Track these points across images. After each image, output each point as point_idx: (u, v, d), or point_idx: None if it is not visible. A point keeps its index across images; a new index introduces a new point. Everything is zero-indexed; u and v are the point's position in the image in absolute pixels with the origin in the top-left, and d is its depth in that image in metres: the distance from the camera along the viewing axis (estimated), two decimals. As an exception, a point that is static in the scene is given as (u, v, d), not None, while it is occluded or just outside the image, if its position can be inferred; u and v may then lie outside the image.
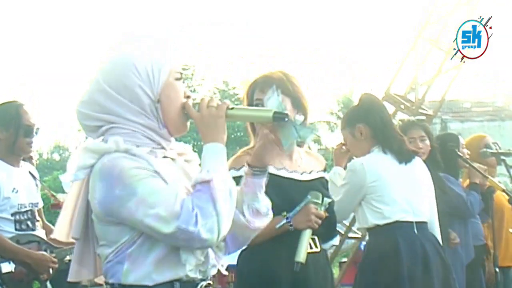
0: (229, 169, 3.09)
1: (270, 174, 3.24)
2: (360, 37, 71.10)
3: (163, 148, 2.40)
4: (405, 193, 4.35)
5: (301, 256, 3.18)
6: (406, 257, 4.19)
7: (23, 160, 4.60)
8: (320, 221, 3.33)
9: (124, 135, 2.35)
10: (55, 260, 4.34)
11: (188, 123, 2.44)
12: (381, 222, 4.31)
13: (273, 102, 2.48)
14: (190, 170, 2.48)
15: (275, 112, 2.34)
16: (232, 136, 30.32)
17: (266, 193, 2.89)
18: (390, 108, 9.91)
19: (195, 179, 2.30)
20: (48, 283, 4.42)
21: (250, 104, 3.47)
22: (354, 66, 71.93)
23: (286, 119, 2.33)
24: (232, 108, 2.38)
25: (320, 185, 3.53)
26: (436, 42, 9.42)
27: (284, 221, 3.25)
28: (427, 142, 5.24)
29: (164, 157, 2.41)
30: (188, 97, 2.43)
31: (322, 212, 3.34)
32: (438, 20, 9.57)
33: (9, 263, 4.21)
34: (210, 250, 2.42)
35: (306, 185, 3.45)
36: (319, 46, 74.45)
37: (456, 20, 9.42)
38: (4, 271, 4.20)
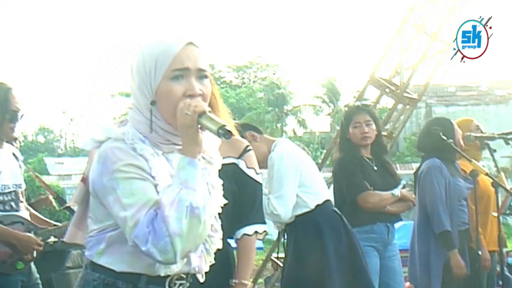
0: None
1: None
2: (345, 21, 71.05)
3: (172, 143, 2.34)
4: (317, 172, 4.63)
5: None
6: (330, 238, 4.35)
7: (7, 142, 4.58)
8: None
9: (137, 122, 2.34)
10: (41, 243, 4.35)
11: None
12: (303, 210, 4.49)
13: None
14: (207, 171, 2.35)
15: (219, 127, 2.18)
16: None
17: None
18: (375, 92, 9.95)
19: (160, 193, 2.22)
20: (32, 264, 4.43)
21: None
22: (338, 50, 71.91)
23: (227, 137, 2.18)
24: (202, 115, 2.20)
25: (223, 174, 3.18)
26: (422, 27, 9.45)
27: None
28: (373, 126, 5.28)
29: (170, 152, 2.36)
30: (190, 95, 2.28)
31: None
32: (424, 4, 9.59)
33: None
34: (193, 255, 2.36)
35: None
36: (304, 30, 74.36)
37: (442, 4, 9.46)
38: None
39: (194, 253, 2.32)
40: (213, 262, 2.44)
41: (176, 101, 2.24)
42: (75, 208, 2.56)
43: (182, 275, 2.36)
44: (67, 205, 4.52)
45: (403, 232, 8.00)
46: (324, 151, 23.89)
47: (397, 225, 5.41)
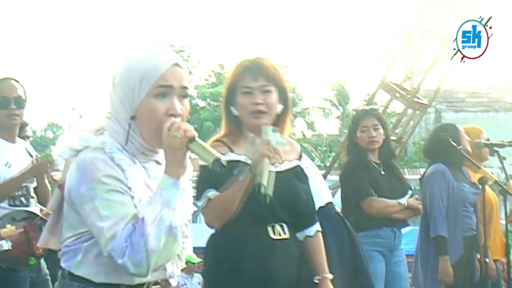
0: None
1: (240, 161, 3.24)
2: (356, 24, 71.01)
3: (147, 156, 2.39)
4: (318, 175, 4.57)
5: (265, 181, 3.11)
6: (332, 240, 4.31)
7: (20, 137, 4.62)
8: (276, 154, 3.22)
9: (114, 132, 2.37)
10: (52, 159, 4.36)
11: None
12: None
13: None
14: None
15: (216, 159, 2.22)
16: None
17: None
18: (386, 96, 9.93)
19: (138, 209, 2.26)
20: (42, 260, 4.43)
21: (232, 89, 3.40)
22: (348, 53, 71.84)
23: (221, 170, 2.24)
24: (193, 142, 2.23)
25: (293, 175, 3.42)
26: (433, 32, 9.42)
27: (241, 167, 3.18)
28: (381, 131, 5.26)
29: (146, 162, 2.40)
30: (171, 115, 2.31)
31: (274, 144, 3.20)
32: (436, 10, 9.57)
33: (6, 241, 4.21)
34: (169, 263, 2.43)
35: (277, 176, 3.29)
36: (314, 32, 74.29)
37: (454, 10, 9.43)
38: (1, 249, 4.19)
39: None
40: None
41: (157, 119, 2.28)
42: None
43: (158, 280, 2.43)
44: (46, 211, 4.49)
45: (410, 237, 7.97)
46: (333, 154, 23.86)
47: (404, 230, 5.40)
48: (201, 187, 3.28)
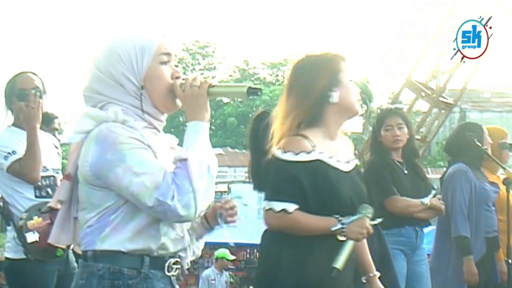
0: (286, 152, 3.12)
1: (320, 161, 3.16)
2: (381, 22, 70.66)
3: (155, 128, 2.50)
4: None
5: (340, 264, 3.07)
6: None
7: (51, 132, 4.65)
8: (367, 237, 3.28)
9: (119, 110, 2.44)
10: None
11: (178, 101, 2.51)
12: None
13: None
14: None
15: (249, 88, 2.41)
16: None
17: (314, 182, 3.05)
18: (411, 95, 9.89)
19: (175, 156, 2.36)
20: (70, 252, 4.42)
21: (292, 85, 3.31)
22: (373, 51, 71.52)
23: (260, 93, 2.42)
24: (213, 86, 2.43)
25: (356, 174, 3.39)
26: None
27: (339, 226, 3.12)
28: (405, 130, 5.23)
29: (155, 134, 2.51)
30: (177, 77, 2.48)
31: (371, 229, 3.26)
32: (463, 9, 9.52)
33: (33, 232, 4.22)
34: (186, 232, 2.52)
35: (349, 176, 3.29)
36: (338, 29, 74.07)
37: (480, 9, 9.38)
38: (29, 241, 4.21)
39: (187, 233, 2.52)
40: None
41: (166, 83, 2.46)
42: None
43: (177, 259, 2.50)
44: (49, 205, 4.47)
45: (432, 237, 7.95)
46: (356, 152, 23.74)
47: (426, 229, 5.39)
48: (279, 191, 3.15)
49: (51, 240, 2.59)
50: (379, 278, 3.51)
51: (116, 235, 2.38)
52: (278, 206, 3.13)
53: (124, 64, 2.44)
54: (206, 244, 2.89)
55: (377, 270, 4.23)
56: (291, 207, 3.11)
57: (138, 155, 2.33)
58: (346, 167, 3.26)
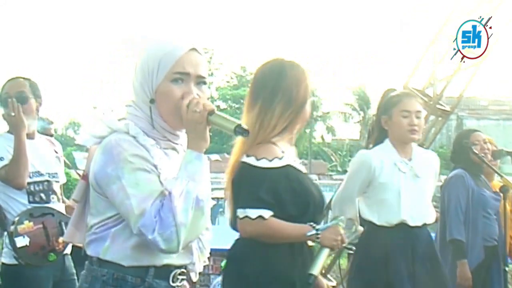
0: (259, 159, 3.13)
1: (290, 166, 3.19)
2: (378, 29, 70.81)
3: (168, 140, 2.44)
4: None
5: (316, 270, 3.13)
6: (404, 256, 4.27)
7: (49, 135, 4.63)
8: (341, 246, 3.31)
9: (136, 118, 2.42)
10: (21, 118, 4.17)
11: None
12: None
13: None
14: None
15: (237, 125, 2.29)
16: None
17: (290, 187, 3.08)
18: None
19: (164, 186, 2.29)
20: (68, 258, 4.39)
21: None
22: (370, 58, 71.65)
23: (245, 135, 2.30)
24: (212, 114, 2.31)
25: None
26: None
27: (314, 232, 3.16)
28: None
29: (167, 148, 2.44)
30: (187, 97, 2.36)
31: (347, 240, 3.31)
32: (460, 16, 9.50)
33: (23, 237, 4.19)
34: (194, 248, 2.47)
35: (309, 177, 3.39)
36: (336, 36, 74.18)
37: (478, 17, 9.37)
38: (19, 245, 4.17)
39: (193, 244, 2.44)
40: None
41: (174, 102, 2.36)
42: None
43: (183, 270, 2.46)
44: (67, 204, 4.47)
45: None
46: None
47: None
48: (254, 198, 3.14)
49: (64, 237, 2.60)
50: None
51: (117, 251, 2.36)
52: (254, 213, 3.12)
53: (142, 73, 2.40)
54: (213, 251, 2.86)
55: (426, 270, 4.20)
56: (267, 213, 3.12)
57: (135, 176, 2.28)
58: (304, 169, 3.32)
